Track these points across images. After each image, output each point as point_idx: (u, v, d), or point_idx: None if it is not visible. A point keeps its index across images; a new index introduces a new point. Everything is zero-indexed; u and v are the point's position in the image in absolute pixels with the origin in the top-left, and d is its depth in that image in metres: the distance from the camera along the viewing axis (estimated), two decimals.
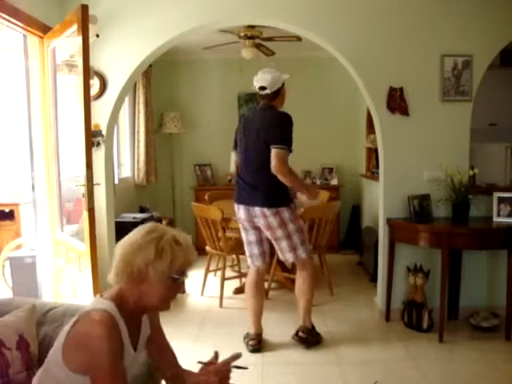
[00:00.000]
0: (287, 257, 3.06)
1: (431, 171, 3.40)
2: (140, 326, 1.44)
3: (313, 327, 3.18)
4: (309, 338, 3.10)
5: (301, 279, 3.11)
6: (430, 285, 3.34)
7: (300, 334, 3.12)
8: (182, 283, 1.38)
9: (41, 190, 3.25)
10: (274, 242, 3.06)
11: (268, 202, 2.91)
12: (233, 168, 3.20)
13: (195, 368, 1.58)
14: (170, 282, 1.33)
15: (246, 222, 3.05)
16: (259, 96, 3.05)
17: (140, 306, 1.36)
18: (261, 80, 2.98)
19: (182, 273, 1.36)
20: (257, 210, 2.94)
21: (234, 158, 3.19)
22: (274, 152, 2.83)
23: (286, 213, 2.94)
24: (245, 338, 3.16)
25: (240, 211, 3.04)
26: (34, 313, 1.76)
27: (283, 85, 3.02)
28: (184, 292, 1.39)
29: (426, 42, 3.34)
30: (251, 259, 3.14)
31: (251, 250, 3.13)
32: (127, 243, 1.33)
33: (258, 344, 3.08)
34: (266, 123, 2.92)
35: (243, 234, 3.14)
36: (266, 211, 2.92)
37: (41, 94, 3.16)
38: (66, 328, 1.31)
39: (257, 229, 3.05)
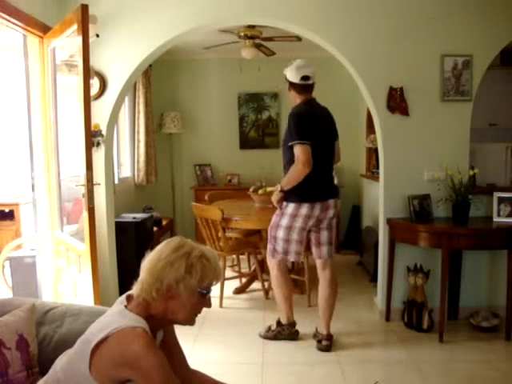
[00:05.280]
0: (324, 249, 3.04)
1: (431, 171, 3.40)
2: (156, 333, 1.43)
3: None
4: (331, 344, 3.07)
5: (328, 292, 3.07)
6: (430, 285, 3.34)
7: (324, 342, 3.05)
8: (209, 298, 1.38)
9: (41, 190, 3.24)
10: (320, 234, 3.03)
11: (338, 192, 3.10)
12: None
13: (197, 368, 1.60)
14: (198, 297, 1.33)
15: (313, 219, 2.93)
16: (305, 86, 2.99)
17: (165, 320, 1.36)
18: (311, 68, 3.02)
19: (210, 288, 1.36)
20: (331, 202, 2.99)
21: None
22: (338, 146, 3.13)
23: None
24: (281, 331, 3.18)
25: (316, 209, 2.92)
26: (34, 313, 1.75)
27: None
28: (210, 306, 1.39)
29: (426, 42, 3.33)
30: (291, 256, 3.02)
31: (298, 248, 3.00)
32: (155, 259, 1.32)
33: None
34: (331, 119, 3.09)
35: (298, 234, 2.96)
36: (338, 201, 3.06)
37: (41, 94, 3.16)
38: (93, 340, 1.26)
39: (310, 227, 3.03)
